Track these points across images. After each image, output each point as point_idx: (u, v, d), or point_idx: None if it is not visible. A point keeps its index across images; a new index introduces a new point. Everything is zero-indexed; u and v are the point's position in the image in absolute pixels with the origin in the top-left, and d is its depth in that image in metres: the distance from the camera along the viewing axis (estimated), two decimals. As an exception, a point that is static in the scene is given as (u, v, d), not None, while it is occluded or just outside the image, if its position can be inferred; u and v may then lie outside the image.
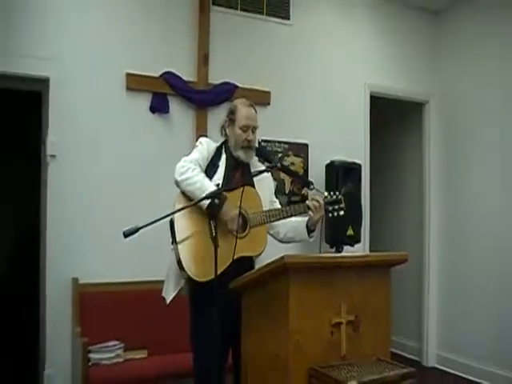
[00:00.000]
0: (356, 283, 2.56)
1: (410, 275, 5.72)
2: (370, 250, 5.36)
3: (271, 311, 2.48)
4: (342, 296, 2.49)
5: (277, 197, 3.27)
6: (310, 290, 2.41)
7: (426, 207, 5.90)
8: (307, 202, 2.97)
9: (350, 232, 4.85)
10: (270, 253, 2.71)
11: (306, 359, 2.37)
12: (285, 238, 3.12)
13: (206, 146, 3.00)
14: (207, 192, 2.69)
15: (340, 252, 4.79)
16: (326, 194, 3.03)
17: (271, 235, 3.09)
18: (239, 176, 2.95)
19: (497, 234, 5.12)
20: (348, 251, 4.82)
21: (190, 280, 2.75)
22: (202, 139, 3.08)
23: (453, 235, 5.67)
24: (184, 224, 2.79)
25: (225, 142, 3.07)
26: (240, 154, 2.98)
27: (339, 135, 5.28)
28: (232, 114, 3.02)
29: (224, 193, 2.75)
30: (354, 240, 4.92)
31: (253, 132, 3.00)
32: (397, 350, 5.89)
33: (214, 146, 3.04)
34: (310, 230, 3.01)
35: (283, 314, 2.37)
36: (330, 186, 4.79)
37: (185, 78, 4.47)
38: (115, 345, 3.81)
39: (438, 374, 5.54)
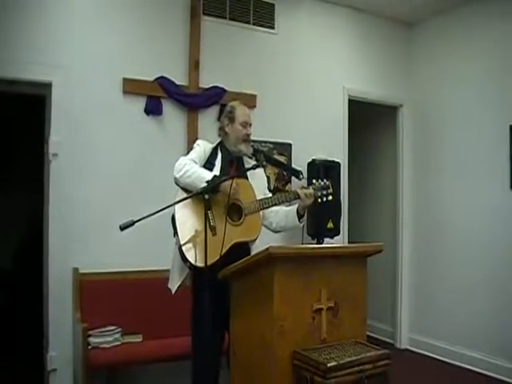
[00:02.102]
0: (335, 272, 2.56)
1: (384, 265, 5.74)
2: (348, 242, 5.36)
3: (258, 298, 2.48)
4: (322, 284, 2.49)
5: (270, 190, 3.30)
6: (294, 279, 2.41)
7: (400, 202, 5.91)
8: (298, 190, 3.00)
9: (330, 225, 4.85)
10: (264, 242, 2.72)
11: (290, 342, 2.37)
12: (277, 227, 3.14)
13: (202, 147, 3.06)
14: (205, 179, 2.75)
15: (321, 243, 4.79)
16: (313, 181, 3.07)
17: (265, 226, 3.12)
18: (234, 171, 3.01)
19: (463, 225, 5.15)
20: (328, 243, 4.83)
21: (192, 266, 2.78)
22: (198, 141, 3.16)
23: (424, 228, 5.69)
24: (184, 217, 2.83)
25: (220, 143, 3.12)
26: (242, 148, 3.05)
27: (320, 135, 5.27)
28: (231, 113, 3.09)
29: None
30: (334, 232, 4.92)
31: (249, 127, 3.09)
32: (372, 334, 5.90)
33: (210, 146, 3.10)
34: (300, 215, 3.03)
35: (269, 301, 2.37)
36: (312, 182, 4.78)
37: (177, 82, 4.42)
38: (113, 329, 3.78)
39: (409, 355, 5.58)
